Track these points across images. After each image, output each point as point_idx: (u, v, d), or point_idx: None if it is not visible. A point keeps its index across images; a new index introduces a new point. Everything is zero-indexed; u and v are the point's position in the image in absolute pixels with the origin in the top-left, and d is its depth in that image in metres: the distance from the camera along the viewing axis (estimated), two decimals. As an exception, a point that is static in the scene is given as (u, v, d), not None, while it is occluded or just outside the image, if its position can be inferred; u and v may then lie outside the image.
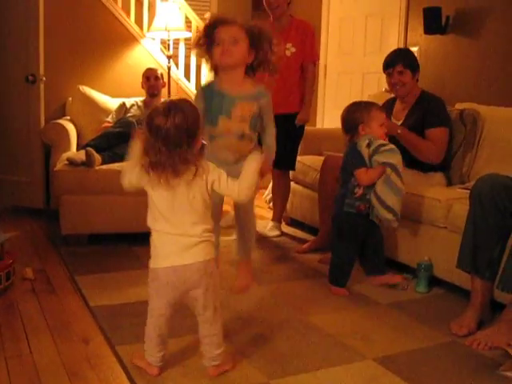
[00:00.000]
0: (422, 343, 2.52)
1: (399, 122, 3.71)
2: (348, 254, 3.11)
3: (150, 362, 2.19)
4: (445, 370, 2.29)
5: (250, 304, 2.85)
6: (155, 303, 2.16)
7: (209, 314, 2.13)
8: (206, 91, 2.73)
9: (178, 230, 2.05)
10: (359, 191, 3.02)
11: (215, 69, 2.74)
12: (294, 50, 3.99)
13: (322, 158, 4.02)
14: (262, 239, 4.08)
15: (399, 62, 3.63)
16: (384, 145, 2.97)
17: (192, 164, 2.01)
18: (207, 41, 2.66)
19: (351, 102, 3.24)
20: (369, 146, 2.96)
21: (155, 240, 2.11)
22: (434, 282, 3.20)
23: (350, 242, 3.09)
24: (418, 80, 3.72)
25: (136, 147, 2.07)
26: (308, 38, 4.03)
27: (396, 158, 2.95)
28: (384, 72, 3.72)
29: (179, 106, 2.00)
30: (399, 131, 3.55)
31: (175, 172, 1.99)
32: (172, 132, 1.95)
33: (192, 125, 1.99)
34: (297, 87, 4.09)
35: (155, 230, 2.11)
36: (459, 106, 3.86)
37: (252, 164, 2.13)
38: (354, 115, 3.08)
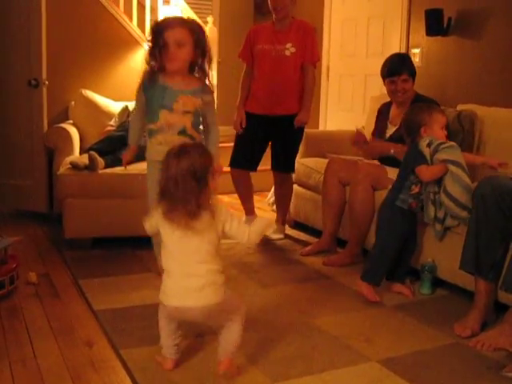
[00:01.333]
0: (426, 345, 2.52)
1: (395, 128, 3.71)
2: (389, 244, 3.04)
3: (165, 355, 2.23)
4: (449, 372, 2.29)
5: (253, 306, 2.85)
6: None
7: (224, 330, 2.17)
8: (148, 84, 2.78)
9: (184, 269, 2.07)
10: (415, 189, 3.00)
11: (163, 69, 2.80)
12: (293, 50, 3.97)
13: (325, 161, 4.02)
14: (266, 242, 4.08)
15: (405, 70, 3.63)
16: (443, 143, 2.94)
17: (206, 207, 2.03)
18: (154, 45, 2.73)
19: (415, 105, 3.26)
20: (429, 145, 2.93)
21: (165, 279, 2.13)
22: (437, 283, 3.20)
23: (395, 237, 3.05)
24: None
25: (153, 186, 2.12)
26: (309, 39, 4.02)
27: (456, 155, 2.90)
28: (386, 78, 3.70)
29: (188, 150, 2.06)
30: (392, 151, 3.56)
31: (191, 215, 2.00)
32: (180, 177, 1.99)
33: (200, 170, 2.02)
34: (296, 88, 4.04)
35: (166, 269, 2.13)
36: (461, 107, 3.85)
37: (264, 220, 2.24)
38: (417, 118, 3.07)
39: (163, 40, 2.68)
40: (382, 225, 3.13)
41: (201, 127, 2.91)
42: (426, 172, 2.93)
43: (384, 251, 3.05)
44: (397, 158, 3.47)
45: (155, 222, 2.14)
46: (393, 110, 3.81)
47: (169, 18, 2.81)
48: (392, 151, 3.56)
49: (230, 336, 2.14)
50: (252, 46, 4.11)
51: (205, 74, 2.85)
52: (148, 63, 2.81)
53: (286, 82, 4.01)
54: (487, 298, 2.67)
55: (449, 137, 3.10)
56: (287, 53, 3.98)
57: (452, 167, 2.86)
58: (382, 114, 3.90)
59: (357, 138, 3.81)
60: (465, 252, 2.72)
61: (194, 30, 2.74)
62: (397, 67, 3.66)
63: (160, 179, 2.07)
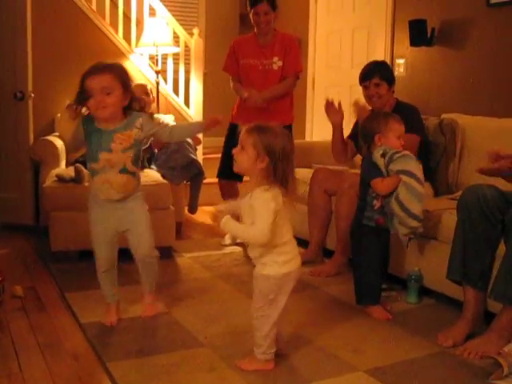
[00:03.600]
0: (413, 354, 2.53)
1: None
2: (372, 267, 2.98)
3: (264, 359, 2.34)
4: (436, 380, 2.30)
5: (241, 318, 2.84)
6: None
7: None
8: (87, 125, 2.66)
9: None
10: (377, 203, 2.92)
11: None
12: (280, 63, 4.01)
13: (312, 171, 4.03)
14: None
15: (376, 74, 3.61)
16: (398, 152, 2.87)
17: None
18: (82, 93, 2.58)
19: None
20: (384, 155, 2.86)
21: (286, 248, 2.30)
22: (424, 292, 3.21)
23: (371, 255, 2.97)
24: (393, 92, 3.74)
25: None
26: (292, 51, 4.06)
27: (411, 164, 2.84)
28: (360, 85, 3.70)
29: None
30: None
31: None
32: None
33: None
34: (287, 100, 4.10)
35: (285, 240, 2.29)
36: (444, 116, 3.89)
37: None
38: (372, 125, 2.97)
39: (89, 88, 2.55)
40: (356, 249, 3.08)
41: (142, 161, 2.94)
42: (381, 186, 2.86)
43: (366, 274, 3.00)
44: None
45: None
46: None
47: (94, 66, 2.64)
48: None
49: None
50: (237, 59, 4.13)
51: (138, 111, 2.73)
52: (77, 109, 2.64)
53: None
54: (476, 308, 2.67)
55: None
56: (275, 67, 4.02)
57: (405, 177, 2.81)
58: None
59: (359, 114, 3.76)
60: (451, 261, 2.72)
61: (121, 75, 2.63)
62: (368, 72, 3.66)
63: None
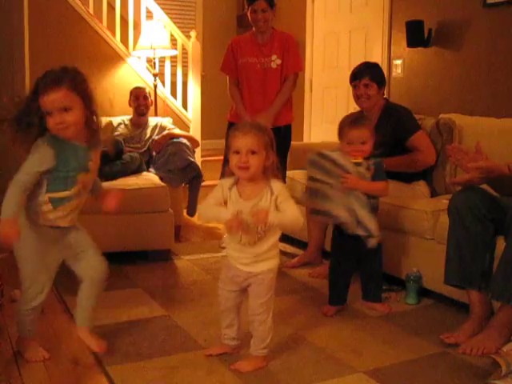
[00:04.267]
0: (413, 355, 2.53)
1: None
2: (341, 268, 3.03)
3: (263, 356, 2.40)
4: (436, 381, 2.30)
5: (240, 320, 2.84)
6: None
7: None
8: (55, 146, 2.21)
9: None
10: None
11: None
12: (279, 61, 3.99)
13: (310, 173, 4.03)
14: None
15: (366, 74, 3.64)
16: (338, 165, 2.88)
17: None
18: (34, 110, 2.21)
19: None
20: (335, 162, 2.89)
21: None
22: (423, 293, 3.21)
23: (342, 257, 3.03)
24: (383, 94, 3.76)
25: None
26: (291, 49, 4.03)
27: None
28: (350, 84, 3.74)
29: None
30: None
31: None
32: None
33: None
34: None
35: None
36: (442, 116, 3.89)
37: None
38: (339, 126, 3.00)
39: (44, 107, 2.18)
40: (333, 250, 3.14)
41: None
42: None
43: (336, 274, 3.05)
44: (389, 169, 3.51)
45: None
46: None
47: (46, 77, 2.28)
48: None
49: None
50: (235, 58, 4.10)
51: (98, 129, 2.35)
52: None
53: (274, 94, 4.02)
54: (482, 309, 2.66)
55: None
56: (273, 65, 3.99)
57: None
58: None
59: None
60: (448, 266, 2.72)
61: (81, 89, 2.25)
62: (358, 72, 3.69)
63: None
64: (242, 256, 2.32)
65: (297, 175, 4.32)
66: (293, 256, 4.03)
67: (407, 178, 3.62)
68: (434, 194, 3.74)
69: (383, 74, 3.77)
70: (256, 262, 2.32)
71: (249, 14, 4.01)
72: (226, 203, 2.28)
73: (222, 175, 4.24)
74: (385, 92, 3.83)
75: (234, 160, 2.23)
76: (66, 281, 3.47)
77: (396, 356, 2.51)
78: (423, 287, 3.20)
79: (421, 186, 3.67)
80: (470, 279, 2.65)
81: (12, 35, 4.46)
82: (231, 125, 4.12)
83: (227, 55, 4.15)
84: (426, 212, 3.19)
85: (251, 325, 2.40)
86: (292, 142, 4.31)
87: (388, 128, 3.57)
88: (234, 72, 4.13)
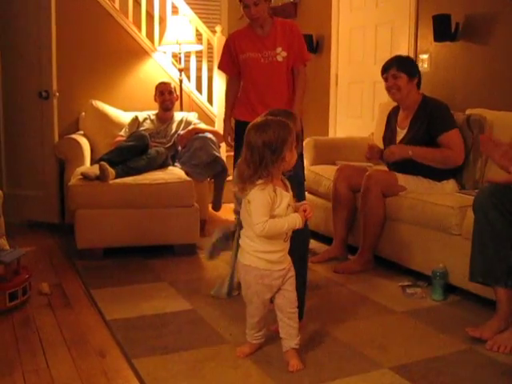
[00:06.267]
0: (439, 351, 2.51)
1: (404, 131, 3.70)
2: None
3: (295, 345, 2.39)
4: (462, 378, 2.28)
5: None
6: None
7: None
8: None
9: None
10: None
11: None
12: (285, 54, 3.60)
13: (335, 168, 4.02)
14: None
15: (393, 65, 3.65)
16: None
17: None
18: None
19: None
20: None
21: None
22: (449, 289, 3.18)
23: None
24: (419, 87, 3.73)
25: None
26: (296, 39, 3.64)
27: None
28: (382, 77, 3.76)
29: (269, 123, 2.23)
30: (410, 153, 3.54)
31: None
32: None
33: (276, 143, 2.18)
34: (292, 93, 3.69)
35: None
36: (470, 111, 3.84)
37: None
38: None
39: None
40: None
41: None
42: None
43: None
44: (415, 160, 3.49)
45: None
46: (400, 114, 3.81)
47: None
48: (410, 153, 3.54)
49: None
50: (235, 55, 3.70)
51: None
52: None
53: (281, 88, 3.66)
54: (509, 306, 2.62)
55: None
56: (279, 58, 3.61)
57: None
58: (391, 118, 3.91)
59: (369, 154, 3.80)
60: (472, 263, 2.70)
61: None
62: (386, 64, 3.69)
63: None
64: (282, 254, 2.33)
65: (323, 170, 4.31)
66: (318, 251, 4.02)
67: (437, 175, 3.59)
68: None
69: (414, 65, 3.75)
70: (286, 256, 2.35)
71: (242, 10, 3.61)
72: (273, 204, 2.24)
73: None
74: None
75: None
76: (92, 275, 3.54)
77: (422, 352, 2.50)
78: (449, 283, 3.17)
79: (450, 184, 3.63)
80: (495, 276, 2.61)
81: (39, 30, 4.50)
82: (240, 123, 3.66)
83: (224, 53, 3.78)
84: (452, 207, 3.16)
85: (284, 321, 2.37)
86: (317, 138, 4.28)
87: (424, 122, 3.58)
88: (233, 70, 3.77)
